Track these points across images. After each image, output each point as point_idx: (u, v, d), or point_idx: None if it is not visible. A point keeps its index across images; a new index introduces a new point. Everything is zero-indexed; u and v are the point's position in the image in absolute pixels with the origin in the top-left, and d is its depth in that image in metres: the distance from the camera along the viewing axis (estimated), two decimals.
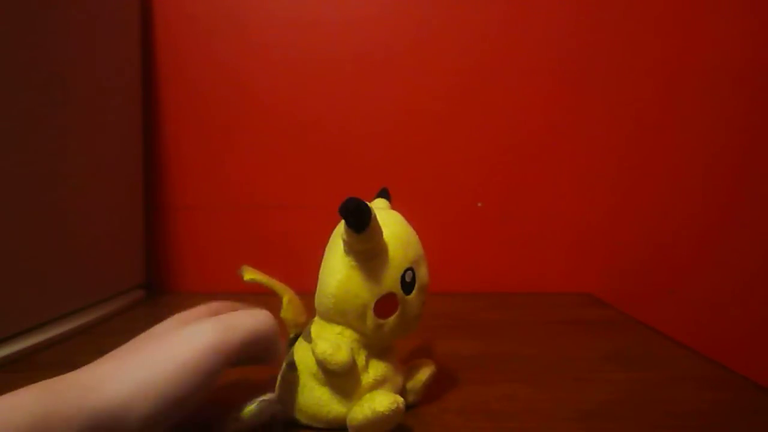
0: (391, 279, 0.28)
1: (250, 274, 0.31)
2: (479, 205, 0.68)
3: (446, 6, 0.66)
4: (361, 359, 0.29)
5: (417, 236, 0.31)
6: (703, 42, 0.66)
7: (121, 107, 0.60)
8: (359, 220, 0.26)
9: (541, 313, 0.58)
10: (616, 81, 0.67)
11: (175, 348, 0.23)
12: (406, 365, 0.33)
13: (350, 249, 0.28)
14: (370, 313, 0.28)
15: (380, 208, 0.31)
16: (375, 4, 0.66)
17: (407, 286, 0.29)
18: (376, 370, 0.29)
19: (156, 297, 0.65)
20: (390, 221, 0.30)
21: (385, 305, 0.28)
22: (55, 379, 0.21)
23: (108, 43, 0.57)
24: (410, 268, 0.29)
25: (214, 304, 0.30)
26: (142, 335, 0.27)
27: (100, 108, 0.55)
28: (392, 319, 0.29)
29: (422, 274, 0.30)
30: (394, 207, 0.34)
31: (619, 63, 0.66)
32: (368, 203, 0.26)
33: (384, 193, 0.36)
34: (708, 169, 0.67)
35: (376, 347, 0.30)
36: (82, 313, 0.51)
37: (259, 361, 0.28)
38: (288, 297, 0.32)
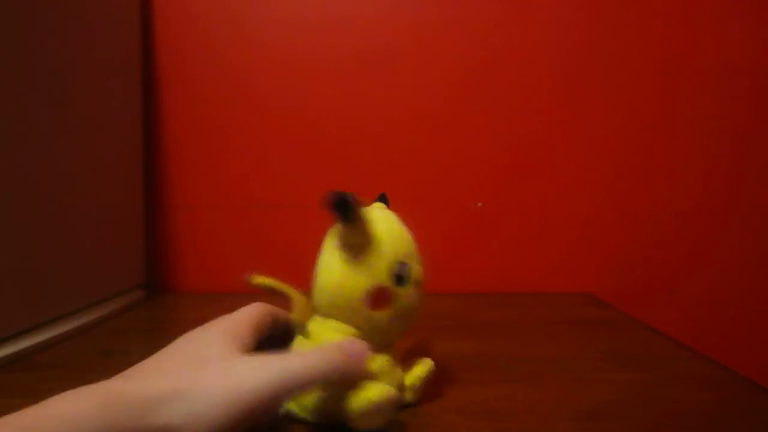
0: (381, 272, 0.29)
1: (259, 279, 0.31)
2: (479, 205, 0.68)
3: (446, 6, 0.66)
4: None
5: (410, 235, 0.32)
6: (704, 42, 0.66)
7: (121, 107, 0.60)
8: (344, 210, 0.27)
9: (541, 313, 0.58)
10: (616, 81, 0.67)
11: (233, 382, 0.23)
12: (405, 364, 0.33)
13: (342, 242, 0.29)
14: (362, 306, 0.29)
15: (376, 208, 0.32)
16: (375, 4, 0.66)
17: (399, 279, 0.30)
18: (374, 364, 0.30)
19: (156, 297, 0.65)
20: (383, 218, 0.31)
21: (376, 298, 0.29)
22: (112, 391, 0.22)
23: (108, 43, 0.57)
24: (401, 262, 0.30)
25: (254, 313, 0.29)
26: (181, 341, 0.26)
27: (100, 108, 0.55)
28: (386, 312, 0.29)
29: (415, 270, 0.31)
30: (394, 208, 0.34)
31: (619, 63, 0.66)
32: (356, 196, 0.27)
33: (382, 198, 0.37)
34: (708, 169, 0.67)
35: (375, 344, 0.30)
36: (82, 313, 0.51)
37: None
38: (297, 299, 0.32)
